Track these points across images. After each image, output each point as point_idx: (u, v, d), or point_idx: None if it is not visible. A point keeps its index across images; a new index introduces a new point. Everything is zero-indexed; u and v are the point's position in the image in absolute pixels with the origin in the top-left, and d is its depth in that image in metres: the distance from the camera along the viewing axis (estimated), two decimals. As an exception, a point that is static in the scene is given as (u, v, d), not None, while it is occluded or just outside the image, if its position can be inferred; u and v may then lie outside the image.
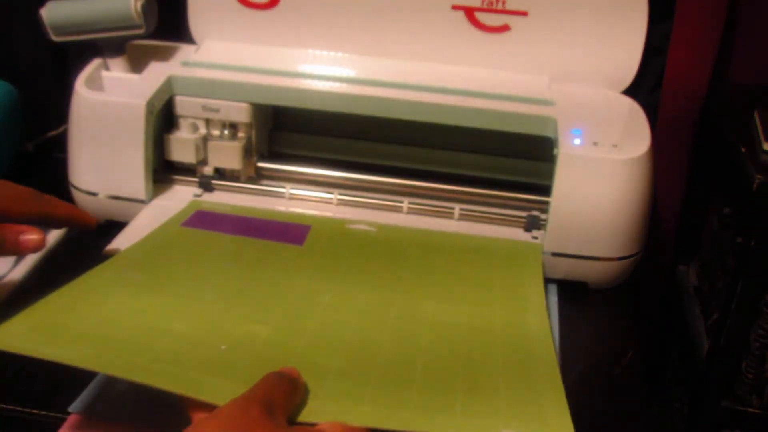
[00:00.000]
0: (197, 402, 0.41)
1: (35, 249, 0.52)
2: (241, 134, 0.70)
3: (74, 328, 0.47)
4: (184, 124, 0.70)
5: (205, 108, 0.69)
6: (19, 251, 0.52)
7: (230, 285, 0.55)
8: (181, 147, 0.69)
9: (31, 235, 0.52)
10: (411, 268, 0.61)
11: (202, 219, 0.66)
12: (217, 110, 0.69)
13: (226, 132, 0.70)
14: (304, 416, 0.42)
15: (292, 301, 0.54)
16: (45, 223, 0.54)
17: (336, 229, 0.66)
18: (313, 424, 0.41)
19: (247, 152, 0.71)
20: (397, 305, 0.55)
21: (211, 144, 0.70)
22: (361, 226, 0.67)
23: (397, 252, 0.63)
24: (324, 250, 0.62)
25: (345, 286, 0.56)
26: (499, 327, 0.53)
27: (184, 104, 0.69)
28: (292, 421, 0.41)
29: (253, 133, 0.71)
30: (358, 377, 0.46)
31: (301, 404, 0.42)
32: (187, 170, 0.72)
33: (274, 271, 0.58)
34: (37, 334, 0.45)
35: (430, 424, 0.41)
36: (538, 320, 0.54)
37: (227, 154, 0.70)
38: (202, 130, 0.70)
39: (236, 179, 0.72)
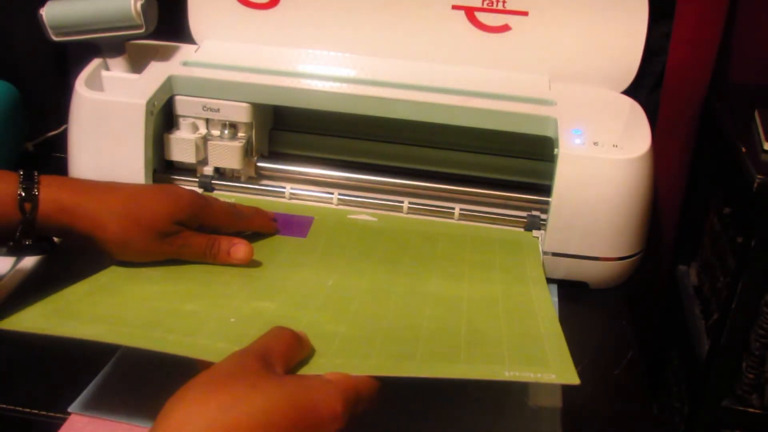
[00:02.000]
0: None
1: (244, 261, 0.56)
2: (241, 134, 0.70)
3: (90, 312, 0.49)
4: (184, 124, 0.70)
5: (205, 108, 0.69)
6: (229, 261, 0.57)
7: (236, 276, 0.56)
8: (181, 147, 0.69)
9: (242, 247, 0.57)
10: (413, 253, 0.62)
11: None
12: (217, 110, 0.69)
13: (226, 132, 0.70)
14: (309, 370, 0.43)
15: (297, 285, 0.56)
16: (238, 232, 0.60)
17: (338, 220, 0.67)
18: None
19: (248, 152, 0.71)
20: (401, 284, 0.57)
21: (211, 144, 0.70)
22: (363, 217, 0.68)
23: (398, 240, 0.64)
24: (327, 241, 0.63)
25: (349, 270, 0.58)
26: (500, 294, 0.56)
27: (184, 104, 0.69)
28: (294, 374, 0.42)
29: (254, 132, 0.71)
30: (364, 339, 0.47)
31: (308, 361, 0.44)
32: (187, 170, 0.72)
33: (279, 263, 0.59)
34: (55, 317, 0.47)
35: (435, 371, 0.43)
36: (538, 288, 0.57)
37: (227, 154, 0.70)
38: (202, 130, 0.70)
39: (236, 179, 0.72)
